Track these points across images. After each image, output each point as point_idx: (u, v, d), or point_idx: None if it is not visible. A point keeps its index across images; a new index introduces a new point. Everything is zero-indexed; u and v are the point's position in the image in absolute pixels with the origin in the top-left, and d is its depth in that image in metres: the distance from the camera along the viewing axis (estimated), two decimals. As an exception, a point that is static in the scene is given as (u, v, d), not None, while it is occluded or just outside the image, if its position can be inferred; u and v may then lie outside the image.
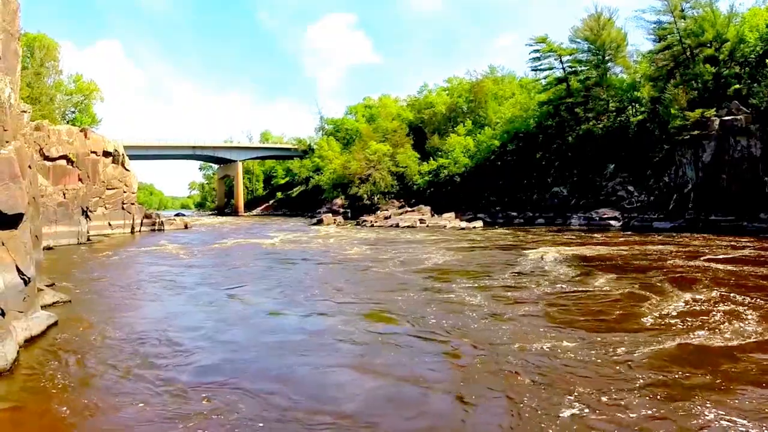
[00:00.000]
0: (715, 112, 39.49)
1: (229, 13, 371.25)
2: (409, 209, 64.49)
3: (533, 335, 10.22)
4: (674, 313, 11.91)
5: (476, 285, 15.96)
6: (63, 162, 38.29)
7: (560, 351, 9.24)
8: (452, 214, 58.65)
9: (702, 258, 21.36)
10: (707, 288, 14.71)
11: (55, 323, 11.57)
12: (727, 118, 38.45)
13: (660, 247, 26.31)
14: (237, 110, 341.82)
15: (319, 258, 25.12)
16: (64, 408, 7.26)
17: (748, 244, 26.60)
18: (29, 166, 12.79)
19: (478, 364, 8.80)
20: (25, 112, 25.72)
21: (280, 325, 12.16)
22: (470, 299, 13.80)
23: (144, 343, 10.29)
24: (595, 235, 36.51)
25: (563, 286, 15.53)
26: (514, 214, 57.95)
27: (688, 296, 13.57)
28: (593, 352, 9.16)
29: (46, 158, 36.90)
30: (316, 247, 31.28)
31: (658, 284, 15.49)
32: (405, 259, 23.26)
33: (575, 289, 15.12)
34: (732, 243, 27.07)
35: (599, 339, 9.90)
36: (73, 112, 72.01)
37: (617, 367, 8.39)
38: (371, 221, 59.68)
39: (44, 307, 12.45)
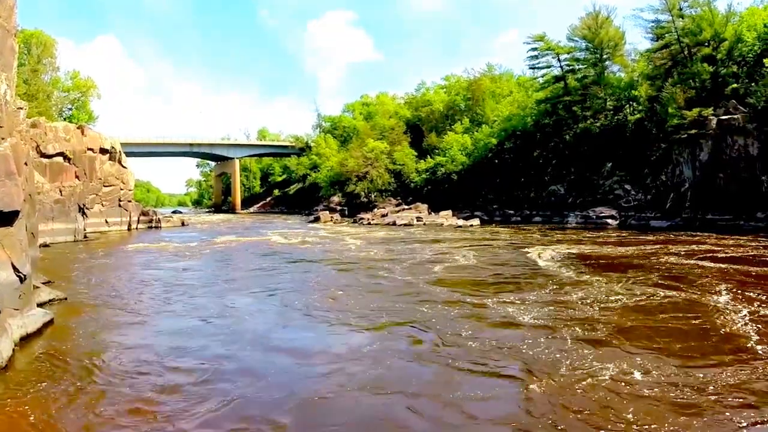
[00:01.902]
0: (712, 111, 39.50)
1: (229, 12, 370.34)
2: (406, 207, 64.47)
3: (600, 361, 8.69)
4: (748, 327, 10.66)
5: (505, 296, 14.14)
6: (60, 159, 38.18)
7: (640, 382, 7.83)
8: (449, 212, 58.68)
9: (732, 259, 20.66)
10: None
11: (51, 321, 11.53)
12: (724, 117, 38.46)
13: (680, 247, 25.66)
14: (237, 109, 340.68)
15: (323, 259, 24.37)
16: (59, 409, 7.23)
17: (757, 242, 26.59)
18: (25, 163, 12.74)
19: (552, 399, 7.38)
20: (21, 108, 25.58)
21: (302, 348, 10.22)
22: (507, 313, 12.20)
23: (142, 349, 10.05)
24: (600, 233, 36.53)
25: (606, 297, 13.75)
26: (511, 212, 57.94)
27: (745, 302, 12.66)
28: (680, 382, 7.76)
29: (43, 155, 36.80)
30: (317, 246, 30.93)
31: (705, 289, 14.43)
32: (415, 262, 22.21)
33: (620, 299, 13.49)
34: (747, 243, 26.86)
35: (682, 366, 8.48)
36: (70, 109, 72.00)
37: (722, 407, 6.95)
38: (368, 219, 59.69)
39: (40, 304, 12.40)
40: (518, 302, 13.37)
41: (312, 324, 12.07)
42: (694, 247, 25.52)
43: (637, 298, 13.61)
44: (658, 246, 26.46)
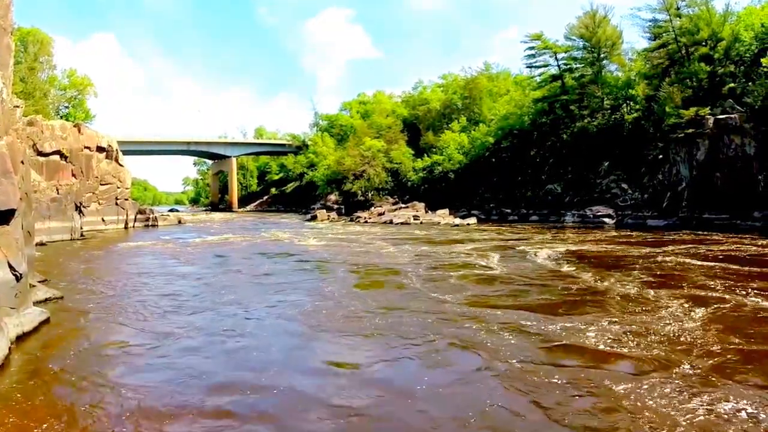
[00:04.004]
0: (709, 111, 39.56)
1: (228, 10, 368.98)
2: (403, 206, 64.44)
3: (735, 405, 6.96)
4: None
5: (561, 317, 11.68)
6: (56, 157, 38.16)
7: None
8: (446, 211, 58.78)
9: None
10: None
11: (48, 320, 11.48)
12: (721, 116, 38.51)
13: (709, 247, 24.77)
14: (236, 108, 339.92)
15: (328, 262, 23.04)
16: (55, 410, 7.19)
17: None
18: (22, 162, 12.68)
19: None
20: (18, 107, 25.60)
21: (351, 382, 8.31)
22: (583, 341, 9.93)
23: (138, 355, 9.72)
24: (614, 234, 36.23)
25: (679, 310, 12.02)
26: (508, 210, 58.03)
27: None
28: None
29: (40, 153, 36.76)
30: (318, 247, 30.20)
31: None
32: (430, 266, 20.57)
33: (697, 313, 11.73)
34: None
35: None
36: (67, 108, 71.98)
37: None
38: (365, 217, 59.71)
39: (37, 303, 12.34)
40: (584, 325, 10.89)
41: (345, 345, 10.22)
42: (723, 247, 24.75)
43: (714, 309, 12.08)
44: (685, 246, 25.66)
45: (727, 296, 13.47)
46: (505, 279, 17.52)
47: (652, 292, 14.35)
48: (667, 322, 11.10)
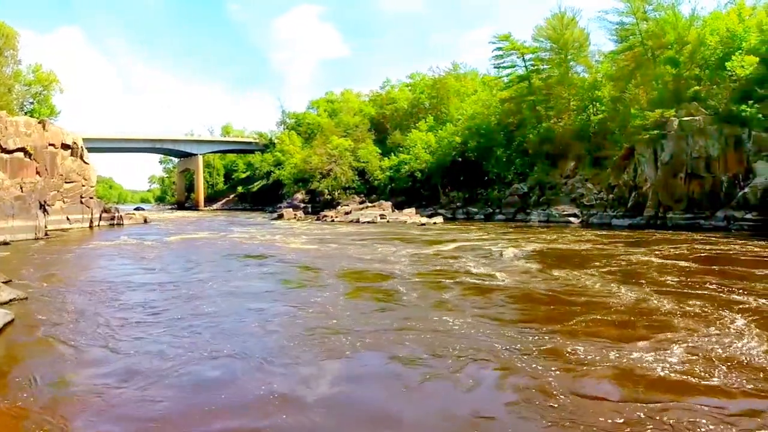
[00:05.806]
0: (674, 113, 40.05)
1: (200, 6, 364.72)
2: (370, 204, 64.35)
3: None
4: None
5: (602, 336, 10.10)
6: (20, 154, 37.44)
7: None
8: (412, 210, 59.02)
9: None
10: None
11: (12, 321, 11.19)
12: (686, 118, 39.03)
13: (690, 247, 24.85)
14: (205, 105, 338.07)
15: (301, 264, 21.89)
16: (22, 415, 7.05)
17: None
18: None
19: None
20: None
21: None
22: (620, 360, 8.65)
23: (103, 359, 9.25)
24: (576, 232, 36.67)
25: (727, 318, 11.16)
26: (475, 210, 58.55)
27: None
28: None
29: (3, 150, 36.00)
30: (289, 248, 28.56)
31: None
32: (417, 272, 18.86)
33: (747, 325, 10.59)
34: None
35: None
36: (32, 103, 70.63)
37: None
38: (332, 216, 59.39)
39: (0, 304, 12.17)
40: (622, 345, 9.43)
41: (359, 372, 8.75)
42: (708, 247, 24.92)
43: (752, 319, 11.04)
44: (672, 245, 25.65)
45: (752, 302, 12.80)
46: (503, 287, 15.67)
47: (674, 303, 12.73)
48: (727, 339, 9.67)
